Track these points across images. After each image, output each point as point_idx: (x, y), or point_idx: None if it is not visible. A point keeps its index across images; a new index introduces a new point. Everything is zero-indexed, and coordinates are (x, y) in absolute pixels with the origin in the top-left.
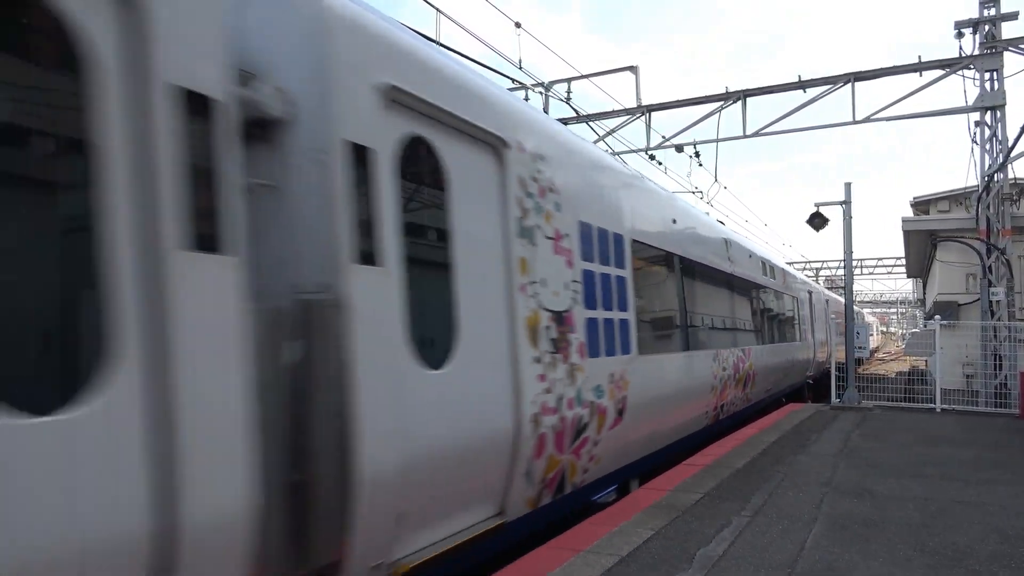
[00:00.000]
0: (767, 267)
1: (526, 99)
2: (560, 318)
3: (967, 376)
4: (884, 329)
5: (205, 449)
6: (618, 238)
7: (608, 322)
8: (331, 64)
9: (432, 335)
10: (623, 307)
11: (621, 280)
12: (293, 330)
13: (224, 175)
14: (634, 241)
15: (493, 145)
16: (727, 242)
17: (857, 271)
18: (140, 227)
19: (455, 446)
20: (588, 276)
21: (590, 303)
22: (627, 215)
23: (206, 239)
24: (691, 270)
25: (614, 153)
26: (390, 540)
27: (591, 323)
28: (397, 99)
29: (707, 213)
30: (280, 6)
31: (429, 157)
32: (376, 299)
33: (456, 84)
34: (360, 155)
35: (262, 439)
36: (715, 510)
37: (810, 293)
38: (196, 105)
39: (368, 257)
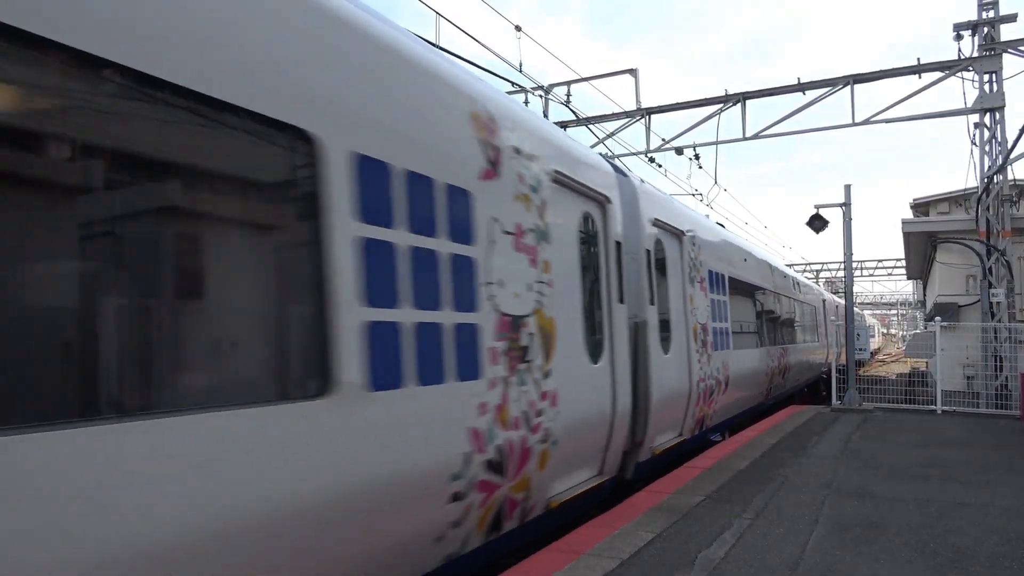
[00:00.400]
0: (794, 283)
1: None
2: (703, 327)
3: (968, 378)
4: (885, 331)
5: (622, 382)
6: (722, 277)
7: (720, 329)
8: (640, 215)
9: (664, 338)
10: (725, 319)
11: (725, 303)
12: (634, 335)
13: (625, 270)
14: (730, 277)
15: (679, 235)
16: (771, 267)
17: (857, 273)
18: (608, 295)
19: (671, 395)
20: (712, 302)
21: (713, 318)
22: (725, 261)
23: (622, 298)
24: (752, 291)
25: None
26: (655, 437)
27: (714, 330)
28: (656, 223)
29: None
30: (618, 187)
31: (660, 247)
32: (652, 321)
33: (669, 206)
34: (647, 254)
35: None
36: (716, 512)
37: (823, 301)
38: (618, 246)
39: (651, 301)
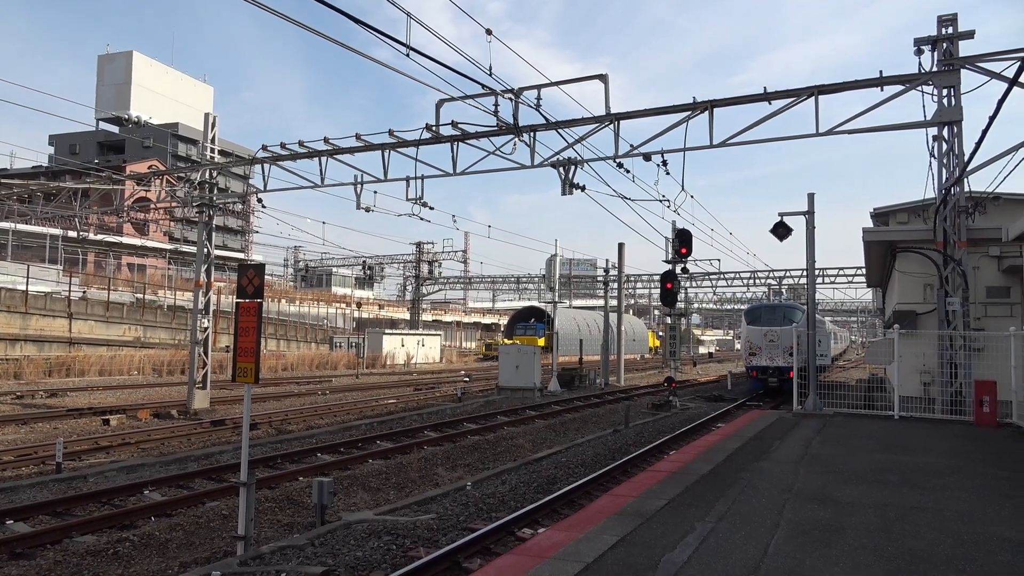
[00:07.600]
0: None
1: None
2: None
3: (924, 384)
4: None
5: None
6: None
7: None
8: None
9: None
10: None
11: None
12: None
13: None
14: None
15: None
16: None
17: (819, 280)
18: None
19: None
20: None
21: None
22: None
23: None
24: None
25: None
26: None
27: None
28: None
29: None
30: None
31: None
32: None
33: (825, 327)
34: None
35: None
36: (680, 516)
37: (830, 333)
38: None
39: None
